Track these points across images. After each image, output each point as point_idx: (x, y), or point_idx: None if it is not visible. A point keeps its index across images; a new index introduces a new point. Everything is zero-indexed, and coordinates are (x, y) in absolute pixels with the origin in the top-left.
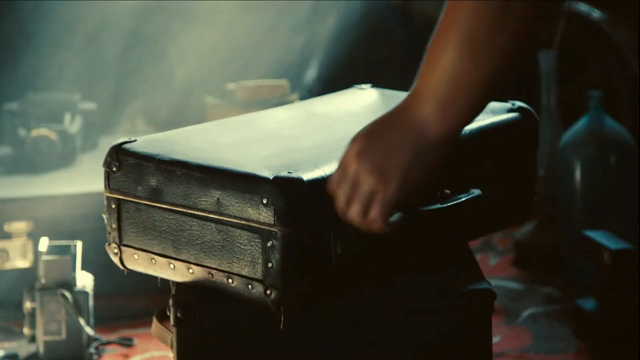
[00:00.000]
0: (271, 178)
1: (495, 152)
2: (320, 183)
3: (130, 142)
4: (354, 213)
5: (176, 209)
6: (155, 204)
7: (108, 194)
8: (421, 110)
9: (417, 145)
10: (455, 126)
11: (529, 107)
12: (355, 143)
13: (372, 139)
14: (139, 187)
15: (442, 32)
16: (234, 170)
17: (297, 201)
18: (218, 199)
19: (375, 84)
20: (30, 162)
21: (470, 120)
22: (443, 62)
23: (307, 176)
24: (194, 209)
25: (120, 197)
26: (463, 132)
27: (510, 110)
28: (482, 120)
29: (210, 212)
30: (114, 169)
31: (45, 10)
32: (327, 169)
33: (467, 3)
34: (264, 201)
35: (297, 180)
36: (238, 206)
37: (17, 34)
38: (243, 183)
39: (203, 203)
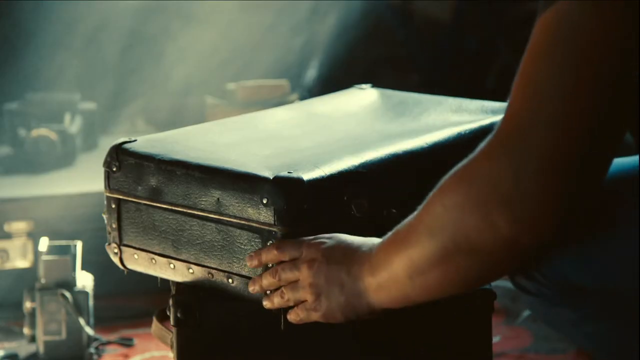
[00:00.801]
0: (271, 178)
1: None
2: (320, 183)
3: (130, 142)
4: (284, 296)
5: (176, 209)
6: (155, 204)
7: (108, 194)
8: (366, 277)
9: (352, 298)
10: (383, 306)
11: None
12: (320, 249)
13: (329, 262)
14: (139, 187)
15: (406, 234)
16: (234, 170)
17: (297, 201)
18: (218, 199)
19: (375, 84)
20: (30, 162)
21: (399, 307)
22: (392, 262)
23: (307, 176)
24: (194, 209)
25: (120, 197)
26: (464, 132)
27: None
28: (482, 120)
29: (210, 212)
30: (114, 169)
31: (45, 10)
32: (327, 169)
33: (424, 226)
34: (264, 201)
35: (297, 180)
36: (238, 206)
37: (17, 34)
38: (243, 183)
39: (203, 203)
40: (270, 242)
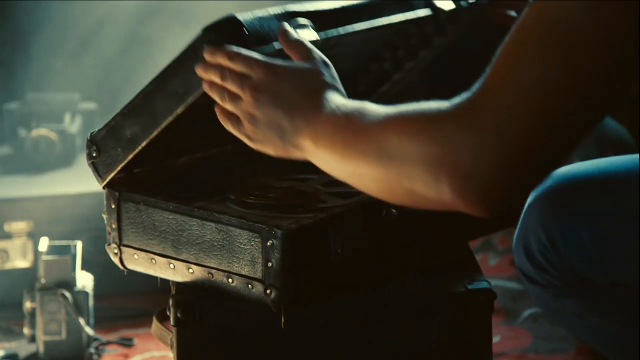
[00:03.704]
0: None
1: None
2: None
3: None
4: (224, 100)
5: (176, 209)
6: (155, 205)
7: (106, 189)
8: (307, 140)
9: (290, 147)
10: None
11: None
12: (271, 81)
13: (275, 101)
14: (119, 149)
15: (358, 138)
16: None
17: None
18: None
19: None
20: (30, 162)
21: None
22: (336, 151)
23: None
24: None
25: (117, 190)
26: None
27: None
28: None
29: (210, 212)
30: (94, 155)
31: (45, 10)
32: None
33: (376, 145)
34: None
35: None
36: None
37: (17, 34)
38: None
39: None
40: (270, 241)
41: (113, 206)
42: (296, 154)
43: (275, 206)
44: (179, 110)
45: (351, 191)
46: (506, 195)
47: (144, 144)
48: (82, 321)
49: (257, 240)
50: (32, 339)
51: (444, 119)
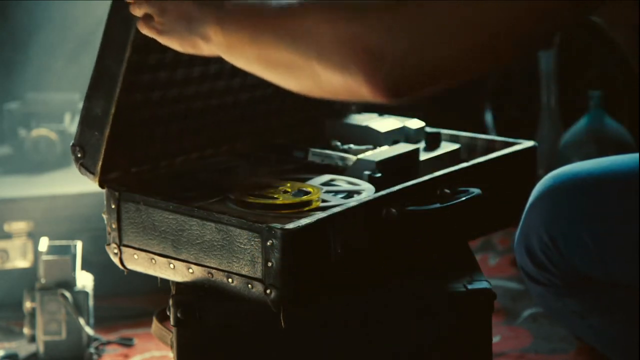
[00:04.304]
0: None
1: (495, 152)
2: None
3: None
4: (141, 4)
5: (176, 209)
6: (155, 205)
7: (106, 189)
8: (214, 27)
9: (198, 38)
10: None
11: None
12: None
13: None
14: (96, 133)
15: (269, 25)
16: None
17: None
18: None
19: None
20: (30, 162)
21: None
22: (243, 36)
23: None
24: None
25: (117, 190)
26: None
27: None
28: None
29: (210, 212)
30: (80, 155)
31: (45, 10)
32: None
33: (292, 32)
34: None
35: None
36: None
37: (17, 34)
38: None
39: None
40: (270, 241)
41: (113, 206)
42: (202, 47)
43: (275, 206)
44: (128, 54)
45: (351, 191)
46: (412, 88)
47: (113, 110)
48: (82, 321)
49: (257, 240)
50: (32, 339)
51: (370, 6)
